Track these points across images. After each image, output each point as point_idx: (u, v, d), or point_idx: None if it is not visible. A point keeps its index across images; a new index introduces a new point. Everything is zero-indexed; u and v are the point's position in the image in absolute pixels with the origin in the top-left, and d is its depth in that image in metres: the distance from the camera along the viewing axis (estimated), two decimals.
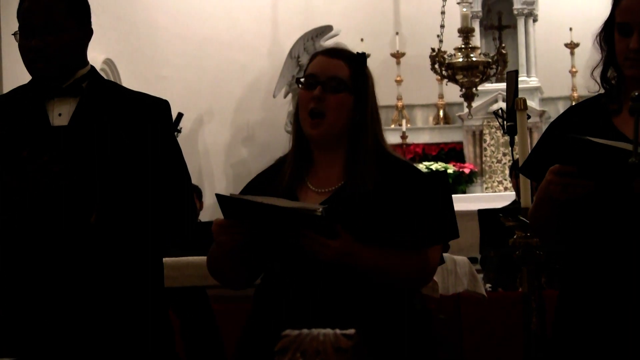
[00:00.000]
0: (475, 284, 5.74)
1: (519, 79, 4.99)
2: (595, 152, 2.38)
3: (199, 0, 11.75)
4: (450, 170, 11.13)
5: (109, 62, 10.36)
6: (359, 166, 2.61)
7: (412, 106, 12.11)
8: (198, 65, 11.58)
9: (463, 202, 9.23)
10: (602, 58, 2.66)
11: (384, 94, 10.94)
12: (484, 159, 11.46)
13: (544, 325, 3.89)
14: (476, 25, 11.23)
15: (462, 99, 10.46)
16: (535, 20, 11.69)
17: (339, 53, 2.71)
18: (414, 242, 2.56)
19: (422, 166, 11.06)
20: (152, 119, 2.84)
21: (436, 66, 10.11)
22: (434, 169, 10.96)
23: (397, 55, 11.88)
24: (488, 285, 6.98)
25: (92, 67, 2.91)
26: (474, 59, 10.00)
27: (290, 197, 2.60)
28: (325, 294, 2.53)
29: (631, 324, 2.41)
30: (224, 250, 2.56)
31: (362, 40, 11.43)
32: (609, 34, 2.63)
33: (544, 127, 3.39)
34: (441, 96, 11.89)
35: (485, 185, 11.40)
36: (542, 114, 11.28)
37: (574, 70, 11.63)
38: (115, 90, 2.94)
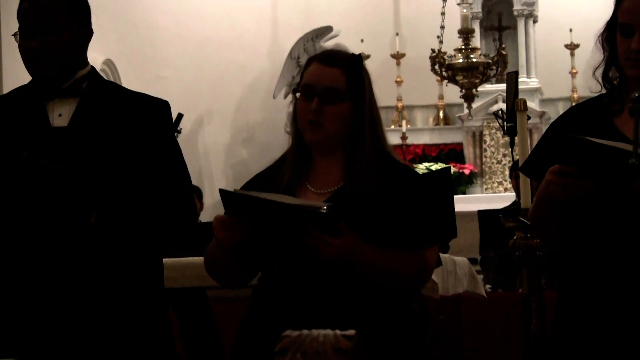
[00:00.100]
0: (475, 285, 5.74)
1: (519, 80, 4.99)
2: (595, 153, 2.38)
3: (199, 0, 11.76)
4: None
5: (108, 63, 10.37)
6: (359, 167, 2.61)
7: (412, 107, 12.11)
8: (198, 65, 11.58)
9: (463, 203, 9.23)
10: (604, 58, 2.66)
11: (384, 95, 10.94)
12: (484, 159, 11.46)
13: (544, 326, 3.89)
14: (476, 26, 11.23)
15: (462, 100, 10.46)
16: (535, 21, 11.69)
17: (334, 60, 2.67)
18: (413, 243, 2.56)
19: (422, 167, 11.06)
20: (152, 119, 2.84)
21: (436, 67, 10.10)
22: (434, 169, 10.96)
23: (397, 56, 11.87)
24: (488, 286, 6.98)
25: (92, 68, 2.91)
26: (474, 59, 10.00)
27: None
28: (325, 295, 2.53)
29: (631, 324, 2.41)
30: (224, 246, 2.55)
31: (362, 41, 11.43)
32: (611, 34, 2.63)
33: (544, 128, 3.39)
34: (441, 97, 11.89)
35: (485, 186, 11.40)
36: (542, 115, 11.28)
37: (574, 71, 11.63)
38: (116, 90, 2.94)
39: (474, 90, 10.06)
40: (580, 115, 2.69)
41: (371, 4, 12.28)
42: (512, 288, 6.73)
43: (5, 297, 2.78)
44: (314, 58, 2.71)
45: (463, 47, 10.13)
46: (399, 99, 11.90)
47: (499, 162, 11.39)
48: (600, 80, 2.67)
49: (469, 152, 11.57)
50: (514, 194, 8.07)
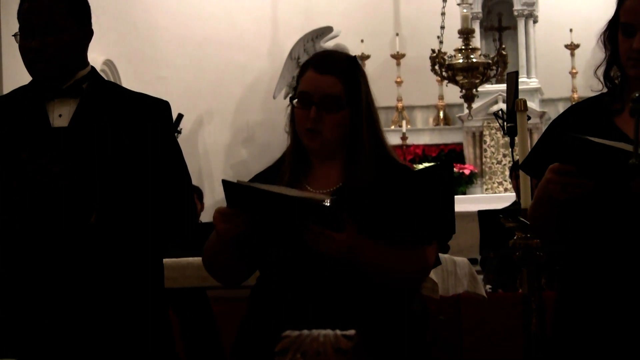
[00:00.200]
0: (475, 285, 5.74)
1: (519, 80, 4.98)
2: (595, 152, 2.38)
3: (199, 0, 11.76)
4: None
5: (108, 63, 10.37)
6: (358, 167, 2.61)
7: (412, 107, 12.10)
8: (198, 65, 11.58)
9: (463, 203, 9.23)
10: (605, 57, 2.66)
11: (384, 95, 11.03)
12: (484, 160, 11.46)
13: (544, 326, 3.89)
14: (476, 27, 11.22)
15: (462, 100, 10.46)
16: (535, 22, 11.69)
17: (330, 68, 2.65)
18: (413, 240, 2.55)
19: (422, 167, 11.05)
20: (152, 119, 2.84)
21: (436, 67, 10.10)
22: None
23: (397, 57, 11.87)
24: (488, 286, 6.97)
25: (93, 68, 2.91)
26: (474, 60, 10.00)
27: None
28: (325, 295, 2.53)
29: (631, 324, 2.41)
30: (224, 239, 2.54)
31: (362, 41, 11.42)
32: (613, 34, 2.63)
33: (544, 129, 3.39)
34: (441, 97, 11.88)
35: (485, 187, 11.40)
36: (542, 115, 11.28)
37: (574, 71, 11.62)
38: (116, 91, 2.94)
39: (474, 90, 10.06)
40: (581, 114, 2.69)
41: (371, 4, 12.27)
42: (512, 288, 6.72)
43: (5, 297, 2.79)
44: (310, 64, 2.69)
45: (463, 47, 10.13)
46: (399, 99, 11.90)
47: (499, 163, 11.39)
48: (601, 79, 2.68)
49: (469, 152, 11.57)
50: (514, 194, 8.06)
